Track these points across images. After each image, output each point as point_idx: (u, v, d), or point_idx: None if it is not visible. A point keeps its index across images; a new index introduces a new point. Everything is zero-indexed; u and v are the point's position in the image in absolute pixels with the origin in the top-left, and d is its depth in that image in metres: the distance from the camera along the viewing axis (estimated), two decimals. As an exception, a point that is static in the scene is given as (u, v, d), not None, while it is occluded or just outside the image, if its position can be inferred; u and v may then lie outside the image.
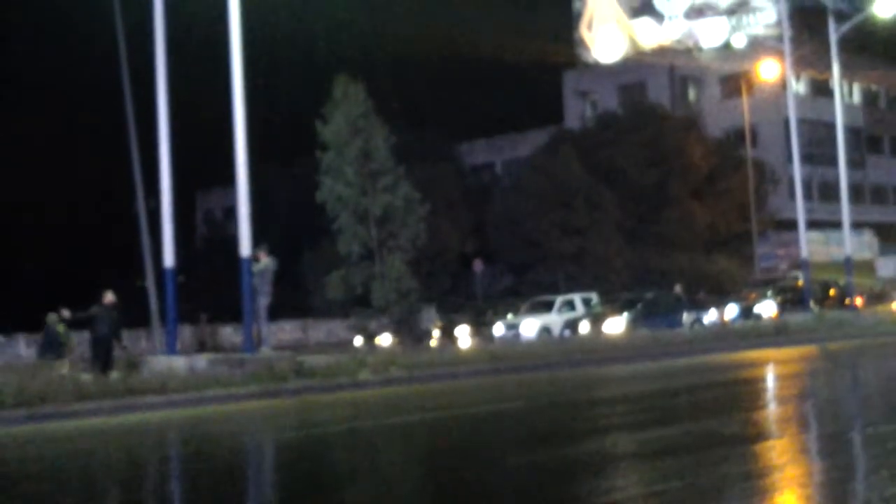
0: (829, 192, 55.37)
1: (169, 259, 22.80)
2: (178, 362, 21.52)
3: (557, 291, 43.43)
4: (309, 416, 16.86)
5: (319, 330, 43.31)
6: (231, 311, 25.60)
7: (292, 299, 38.63)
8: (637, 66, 67.47)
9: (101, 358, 22.74)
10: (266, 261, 23.21)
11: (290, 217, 46.48)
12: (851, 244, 40.23)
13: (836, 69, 39.41)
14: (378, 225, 40.51)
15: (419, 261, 41.48)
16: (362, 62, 46.17)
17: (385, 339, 38.36)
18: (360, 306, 40.36)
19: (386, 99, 42.32)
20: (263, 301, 23.06)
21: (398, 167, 40.88)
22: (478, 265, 45.30)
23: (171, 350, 22.64)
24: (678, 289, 39.27)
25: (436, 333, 40.54)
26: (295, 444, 13.40)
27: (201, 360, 21.78)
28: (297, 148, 47.42)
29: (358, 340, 38.80)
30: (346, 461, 11.86)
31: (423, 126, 56.41)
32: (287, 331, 39.45)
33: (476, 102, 78.39)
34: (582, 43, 70.68)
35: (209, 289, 44.90)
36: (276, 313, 25.72)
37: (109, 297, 23.42)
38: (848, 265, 39.25)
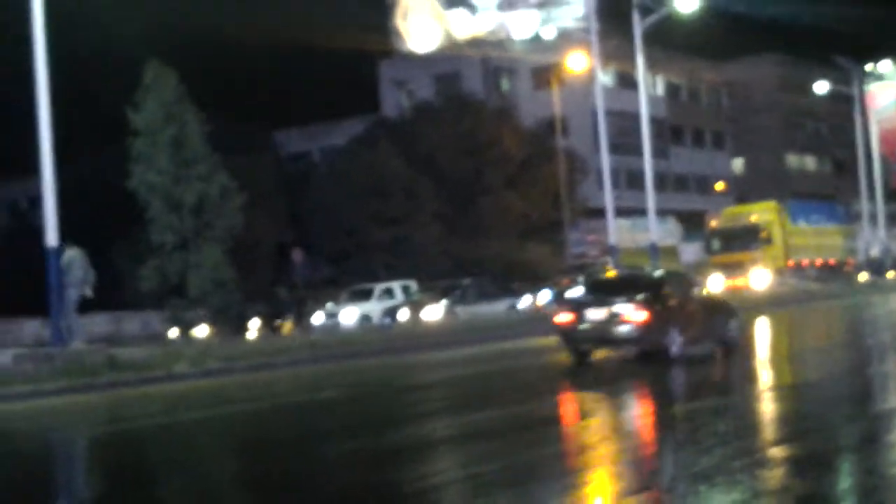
0: (635, 180, 57.32)
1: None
2: (-21, 358, 20.52)
3: (377, 280, 43.54)
4: (122, 410, 16.43)
5: (134, 322, 41.96)
6: (39, 304, 24.59)
7: (104, 291, 37.33)
8: (452, 56, 68.10)
9: None
10: (71, 252, 22.38)
11: (100, 206, 44.88)
12: (656, 231, 41.92)
13: (640, 62, 40.90)
14: (193, 214, 39.64)
15: (236, 251, 40.84)
16: (176, 49, 44.90)
17: (202, 331, 37.61)
18: (175, 297, 39.42)
19: (200, 86, 41.41)
20: (73, 294, 22.26)
21: (213, 155, 40.08)
22: (297, 255, 44.84)
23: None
24: None
25: (254, 324, 40.01)
26: (106, 440, 13.04)
27: (6, 356, 20.82)
28: (107, 136, 45.87)
29: (174, 332, 37.90)
30: (160, 456, 11.64)
31: (239, 114, 55.50)
32: (99, 324, 37.96)
33: (292, 90, 77.75)
34: (397, 33, 70.82)
35: (14, 282, 42.99)
36: (87, 306, 24.81)
37: None
38: (653, 251, 40.84)
